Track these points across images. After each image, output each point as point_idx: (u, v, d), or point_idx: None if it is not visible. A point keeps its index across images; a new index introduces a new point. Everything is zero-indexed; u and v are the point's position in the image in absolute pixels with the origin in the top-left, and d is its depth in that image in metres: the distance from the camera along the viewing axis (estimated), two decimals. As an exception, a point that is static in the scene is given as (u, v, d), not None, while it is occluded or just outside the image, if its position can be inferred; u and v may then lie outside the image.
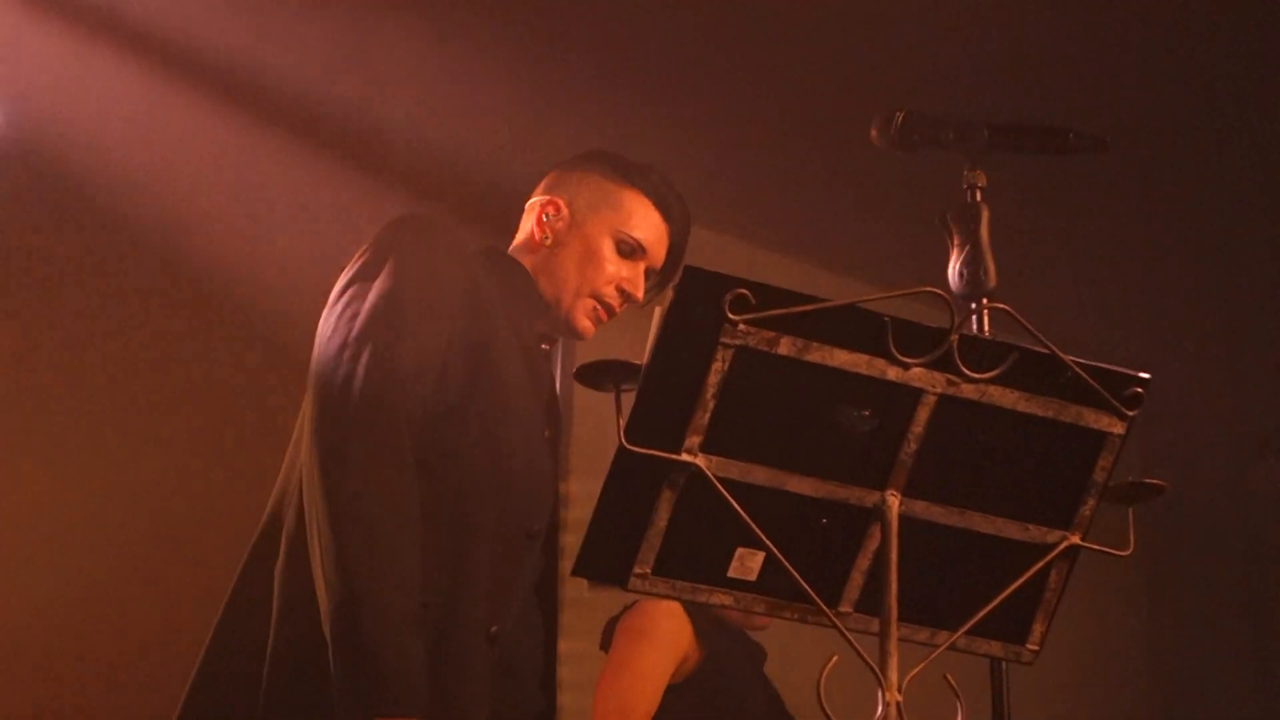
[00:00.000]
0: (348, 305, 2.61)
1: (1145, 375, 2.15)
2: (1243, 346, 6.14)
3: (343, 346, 2.55)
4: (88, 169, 4.55)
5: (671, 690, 3.61)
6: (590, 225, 2.88)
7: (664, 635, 3.61)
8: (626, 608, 3.69)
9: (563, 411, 2.92)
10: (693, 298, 1.98)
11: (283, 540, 2.59)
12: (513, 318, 2.75)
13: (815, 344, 2.03)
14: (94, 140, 4.54)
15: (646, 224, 2.90)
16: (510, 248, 2.94)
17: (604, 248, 2.87)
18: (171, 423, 4.58)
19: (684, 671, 3.64)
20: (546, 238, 2.89)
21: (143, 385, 4.59)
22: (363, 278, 2.64)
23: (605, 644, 3.68)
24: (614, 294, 2.88)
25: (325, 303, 2.69)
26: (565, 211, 2.89)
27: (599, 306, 2.88)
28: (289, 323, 4.41)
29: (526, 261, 2.89)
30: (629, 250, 2.88)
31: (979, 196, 2.58)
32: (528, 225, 2.93)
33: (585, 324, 2.88)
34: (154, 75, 4.60)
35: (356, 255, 2.70)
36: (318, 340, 2.62)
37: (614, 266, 2.88)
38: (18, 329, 4.49)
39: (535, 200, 2.95)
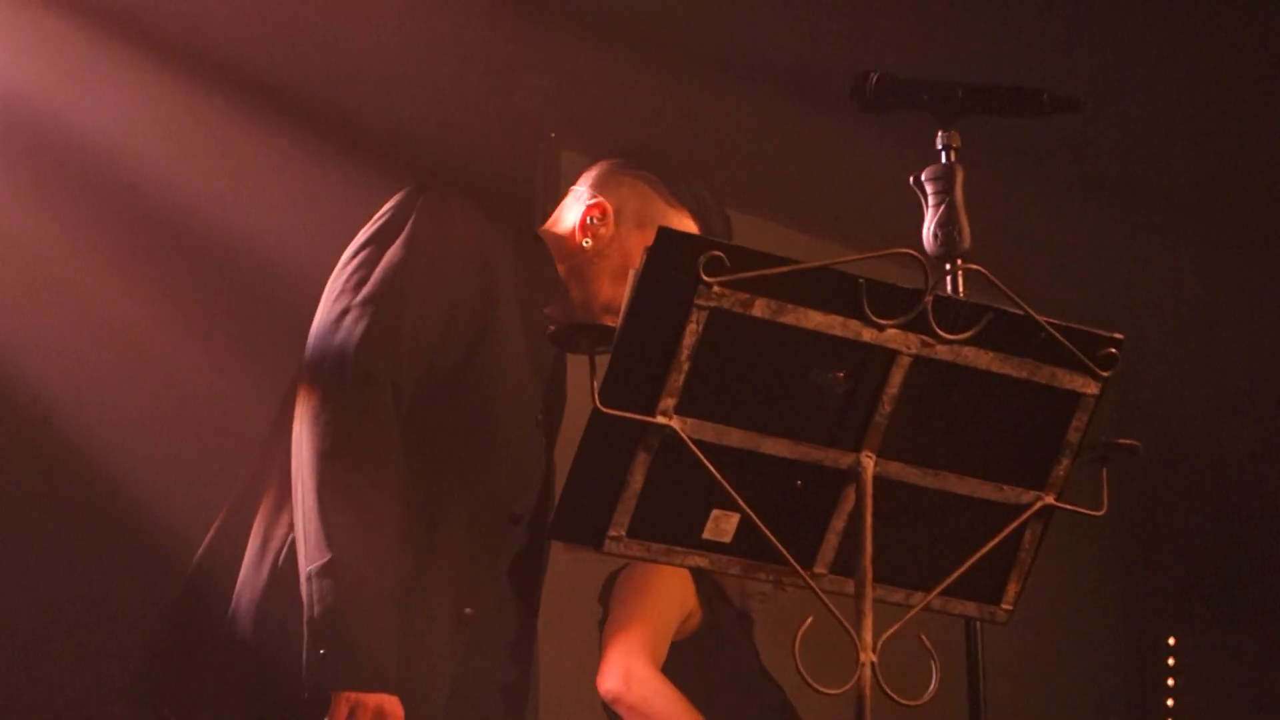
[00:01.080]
0: (356, 269, 2.61)
1: (1118, 336, 2.16)
2: (1216, 306, 6.15)
3: (344, 312, 2.55)
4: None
5: (673, 647, 3.61)
6: (632, 241, 2.84)
7: (671, 587, 3.61)
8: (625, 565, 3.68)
9: (565, 394, 2.89)
10: (666, 260, 1.98)
11: (264, 500, 2.59)
12: (524, 300, 2.72)
13: (790, 306, 2.03)
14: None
15: None
16: (543, 228, 2.89)
17: None
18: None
19: (686, 629, 3.64)
20: (587, 241, 2.84)
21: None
22: (374, 243, 2.63)
23: (604, 597, 3.68)
24: None
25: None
26: (610, 218, 2.85)
27: None
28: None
29: (561, 257, 2.84)
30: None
31: (954, 157, 2.57)
32: (570, 218, 2.88)
33: None
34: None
35: (374, 219, 2.68)
36: (323, 299, 2.62)
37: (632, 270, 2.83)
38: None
39: (582, 194, 2.89)
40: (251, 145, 4.80)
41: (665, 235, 2.00)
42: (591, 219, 2.85)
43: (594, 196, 2.87)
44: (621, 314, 1.99)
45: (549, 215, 2.97)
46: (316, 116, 4.93)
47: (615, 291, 2.82)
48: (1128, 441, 2.22)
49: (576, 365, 2.78)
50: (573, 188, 2.95)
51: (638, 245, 2.82)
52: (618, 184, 2.88)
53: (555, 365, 2.82)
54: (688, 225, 2.86)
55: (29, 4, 4.40)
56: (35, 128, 4.46)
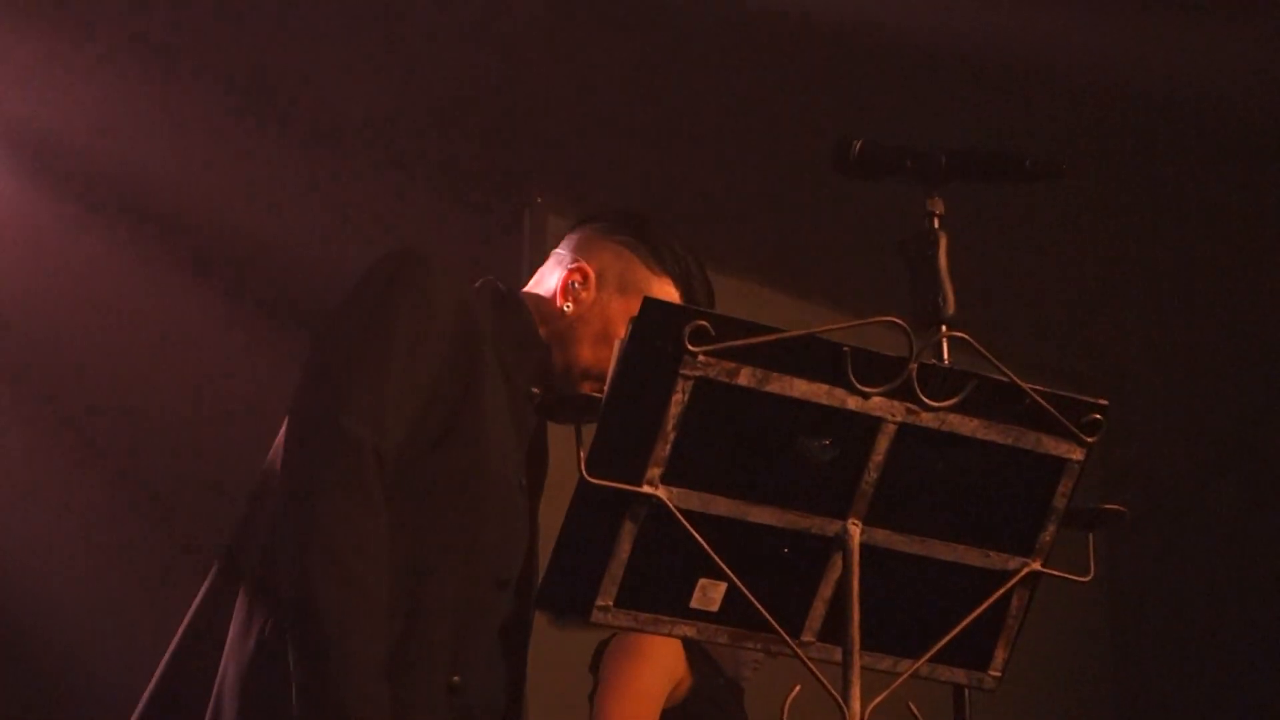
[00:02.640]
0: (337, 333, 2.60)
1: (1103, 402, 2.17)
2: (1201, 365, 6.17)
3: (324, 380, 2.54)
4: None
5: (663, 715, 3.60)
6: (613, 305, 2.82)
7: (659, 655, 3.60)
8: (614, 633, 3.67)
9: (548, 458, 2.89)
10: (651, 330, 1.99)
11: (246, 578, 2.58)
12: (505, 361, 2.72)
13: (775, 374, 2.03)
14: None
15: None
16: (525, 289, 2.89)
17: (621, 334, 2.82)
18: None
19: (676, 696, 3.63)
20: (568, 305, 2.83)
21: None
22: (355, 306, 2.62)
23: (594, 666, 3.67)
24: None
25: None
26: (592, 282, 2.82)
27: (604, 386, 2.83)
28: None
29: (543, 321, 2.82)
30: None
31: (937, 224, 2.58)
32: (551, 282, 2.87)
33: None
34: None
35: (352, 285, 2.68)
36: (304, 364, 2.61)
37: (618, 340, 2.82)
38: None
39: (564, 257, 2.88)
40: (231, 200, 4.82)
41: (650, 305, 2.00)
42: (573, 283, 2.85)
43: (575, 260, 2.87)
44: (607, 384, 2.00)
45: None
46: (304, 174, 4.97)
47: (596, 355, 2.82)
48: (1114, 507, 2.23)
49: (558, 428, 2.78)
50: (554, 251, 2.95)
51: (619, 310, 2.82)
52: (600, 248, 2.88)
53: (537, 427, 2.82)
54: (669, 291, 2.85)
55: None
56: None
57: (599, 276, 2.84)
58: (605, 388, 2.00)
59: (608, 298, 2.83)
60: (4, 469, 4.55)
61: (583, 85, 5.11)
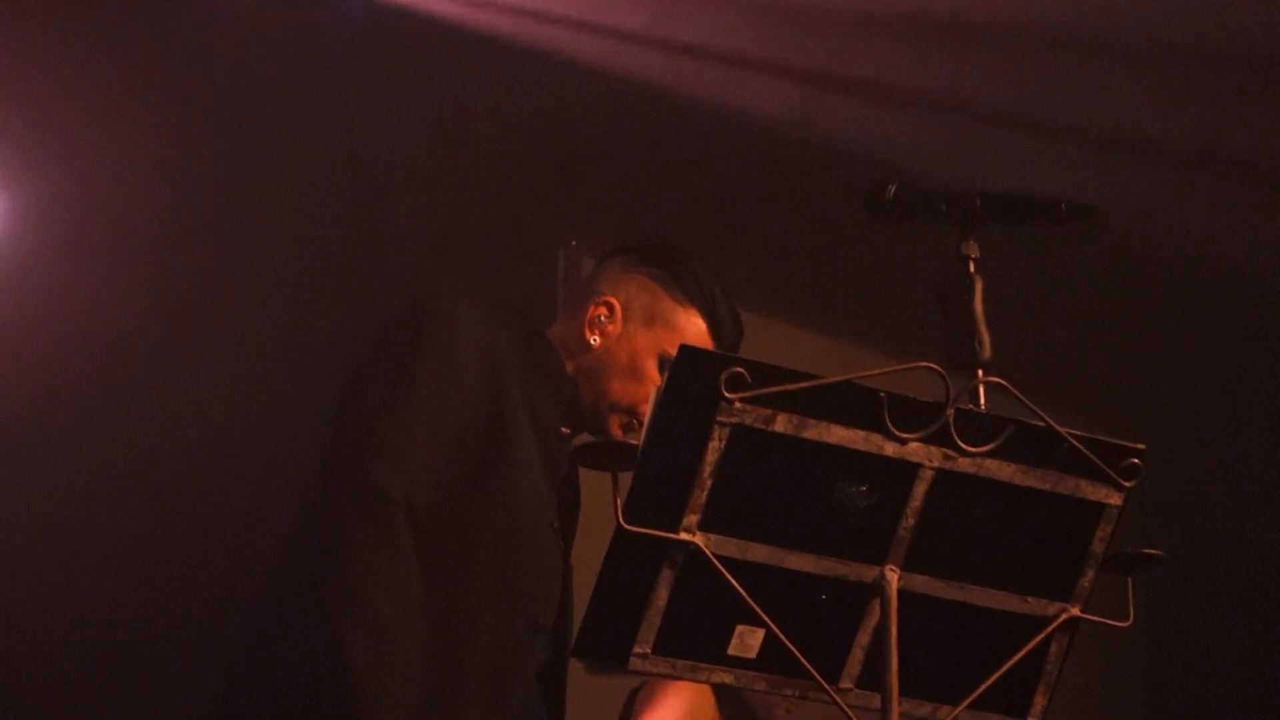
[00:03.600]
0: (364, 387, 2.60)
1: (1141, 446, 2.16)
2: (1239, 406, 6.14)
3: (351, 432, 2.54)
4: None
5: None
6: (640, 339, 2.84)
7: (690, 700, 3.59)
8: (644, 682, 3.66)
9: (579, 497, 2.89)
10: (688, 376, 1.99)
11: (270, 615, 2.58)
12: (533, 402, 2.72)
13: (812, 420, 2.03)
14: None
15: None
16: (551, 330, 2.90)
17: (648, 366, 2.83)
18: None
19: None
20: (595, 339, 2.84)
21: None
22: (380, 359, 2.63)
23: (625, 713, 3.66)
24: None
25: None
26: (618, 316, 2.85)
27: (633, 420, 2.84)
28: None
29: (570, 356, 2.84)
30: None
31: (972, 268, 2.58)
32: (577, 317, 2.88)
33: (617, 432, 2.84)
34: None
35: (377, 332, 2.69)
36: (335, 416, 2.62)
37: (655, 387, 2.82)
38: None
39: (590, 292, 2.90)
40: (275, 246, 4.84)
41: (686, 352, 2.01)
42: (599, 317, 2.85)
43: (601, 294, 2.87)
44: (644, 431, 2.00)
45: None
46: (342, 217, 4.99)
47: (625, 389, 2.82)
48: (1152, 551, 2.22)
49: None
50: (581, 286, 2.95)
51: (646, 342, 2.83)
52: (626, 281, 2.89)
53: (569, 467, 2.82)
54: (696, 322, 2.86)
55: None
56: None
57: (625, 309, 2.84)
58: (642, 434, 2.00)
59: (634, 330, 2.83)
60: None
61: (618, 129, 5.13)
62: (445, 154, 5.08)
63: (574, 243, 5.34)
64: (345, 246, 4.98)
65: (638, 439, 2.05)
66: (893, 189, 2.68)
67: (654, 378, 2.82)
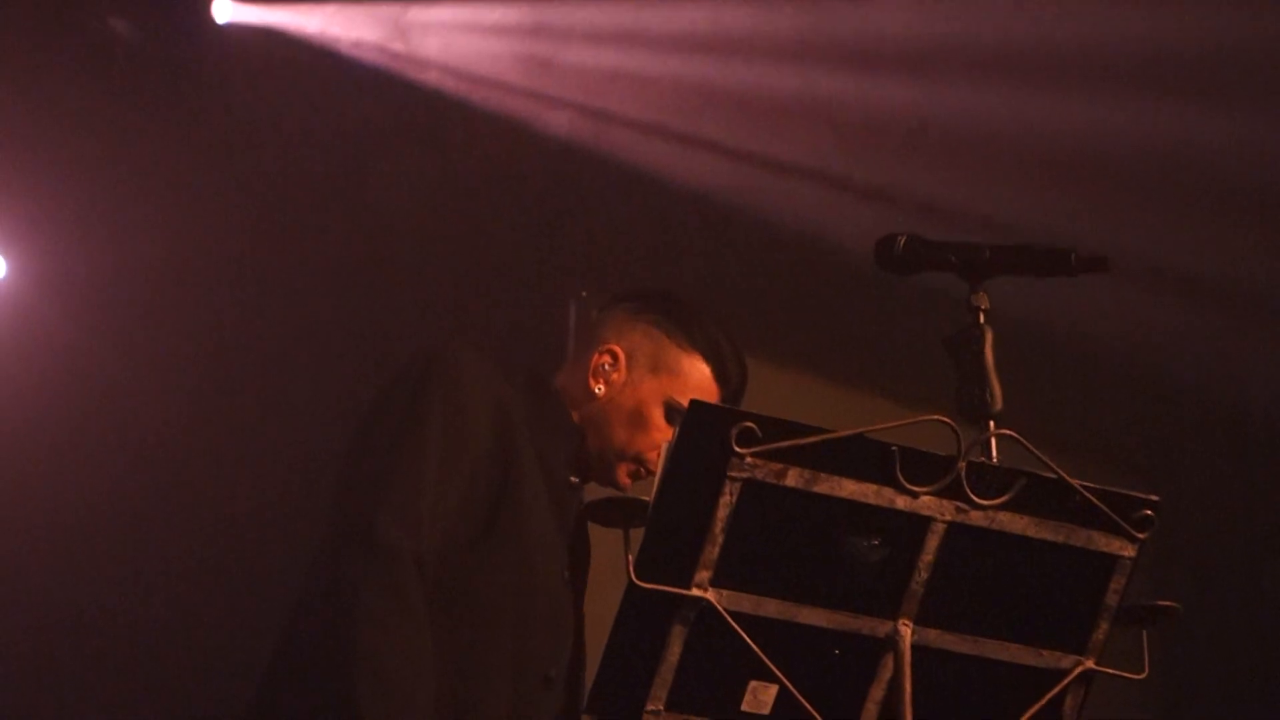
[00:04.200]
0: (370, 441, 2.60)
1: (1155, 498, 2.15)
2: (1253, 452, 6.12)
3: (363, 487, 2.54)
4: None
5: None
6: (645, 387, 2.83)
7: None
8: None
9: (590, 547, 2.88)
10: (699, 432, 1.99)
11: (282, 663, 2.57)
12: (542, 451, 2.71)
13: (823, 475, 2.03)
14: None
15: (699, 392, 2.81)
16: (557, 379, 2.89)
17: (654, 414, 2.81)
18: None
19: None
20: (599, 387, 2.84)
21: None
22: (386, 411, 2.62)
23: None
24: (656, 459, 2.79)
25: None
26: (622, 364, 2.83)
27: (640, 468, 2.84)
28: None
29: (575, 405, 2.83)
30: (678, 419, 2.80)
31: (982, 319, 2.57)
32: (582, 366, 2.87)
33: (625, 480, 2.83)
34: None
35: (384, 385, 2.69)
36: (342, 470, 2.61)
37: (661, 433, 2.81)
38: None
39: (595, 340, 2.88)
40: (290, 300, 4.85)
41: (697, 407, 2.01)
42: (603, 365, 2.85)
43: (605, 343, 2.87)
44: (655, 487, 2.00)
45: None
46: (357, 271, 5.00)
47: (631, 437, 2.82)
48: (1167, 604, 2.21)
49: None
50: (585, 334, 2.95)
51: (652, 390, 2.82)
52: (629, 329, 2.88)
53: (578, 519, 2.81)
54: (701, 368, 2.85)
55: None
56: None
57: (629, 357, 2.84)
58: (653, 490, 2.00)
59: (639, 378, 2.83)
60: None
61: (629, 179, 5.14)
62: (458, 207, 5.10)
63: (585, 293, 5.35)
64: (359, 299, 4.99)
65: (648, 491, 2.05)
66: (902, 240, 2.68)
67: (660, 425, 2.82)
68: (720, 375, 2.85)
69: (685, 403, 2.75)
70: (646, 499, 2.00)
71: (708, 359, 2.85)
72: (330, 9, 4.75)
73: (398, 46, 4.87)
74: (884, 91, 4.96)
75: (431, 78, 4.89)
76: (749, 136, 5.08)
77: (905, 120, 5.03)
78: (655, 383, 2.82)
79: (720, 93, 5.01)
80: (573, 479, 2.80)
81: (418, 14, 4.84)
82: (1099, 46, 4.82)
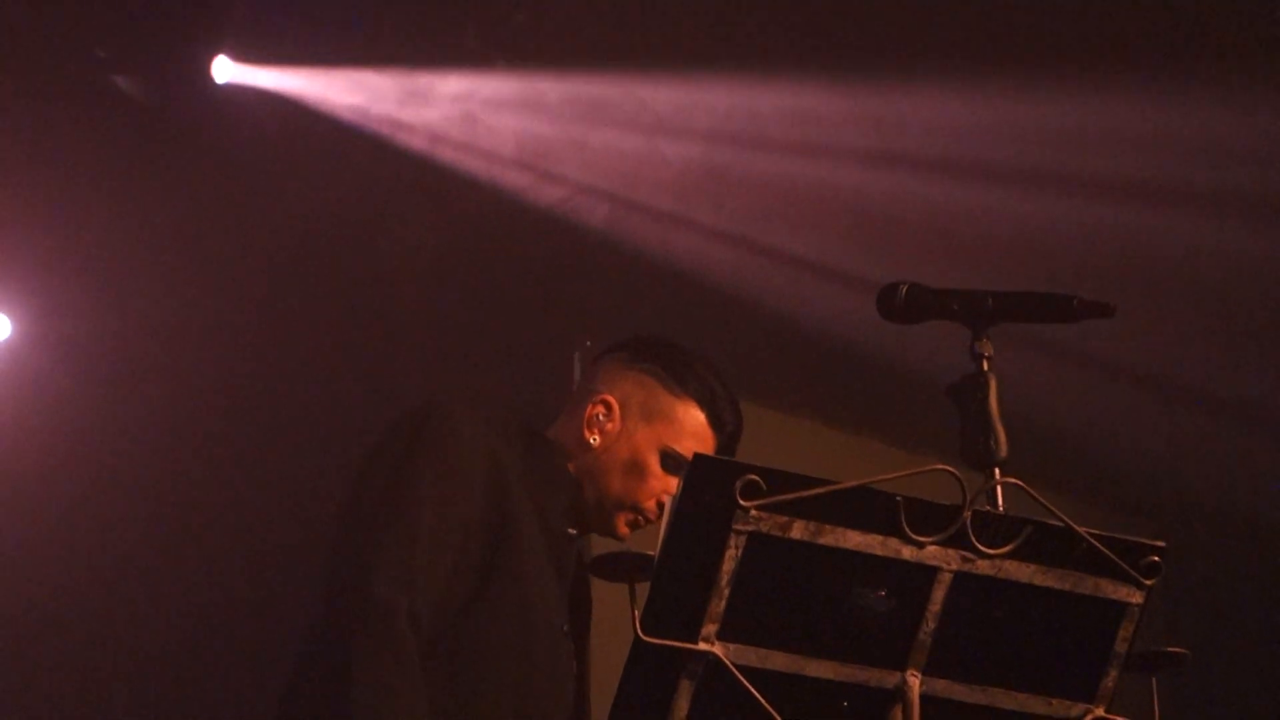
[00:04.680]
0: (364, 498, 2.60)
1: (1161, 544, 2.15)
2: (1259, 501, 6.10)
3: (354, 544, 2.54)
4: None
5: None
6: (639, 435, 2.82)
7: None
8: None
9: (591, 598, 2.87)
10: (703, 485, 1.98)
11: None
12: (539, 504, 2.71)
13: (828, 526, 2.02)
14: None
15: (695, 439, 2.82)
16: (552, 430, 2.89)
17: (650, 462, 2.81)
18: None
19: None
20: (594, 438, 2.83)
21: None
22: (379, 468, 2.62)
23: None
24: (654, 507, 2.81)
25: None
26: (616, 413, 2.83)
27: (639, 517, 2.84)
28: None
29: (571, 456, 2.82)
30: (675, 466, 2.80)
31: (986, 366, 2.57)
32: (576, 417, 2.87)
33: (623, 530, 2.83)
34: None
35: (376, 442, 2.68)
36: (336, 528, 2.61)
37: (658, 481, 2.81)
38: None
39: (589, 390, 2.89)
40: (291, 351, 4.86)
41: (700, 461, 2.01)
42: (597, 415, 2.84)
43: (598, 393, 2.87)
44: (660, 541, 1.99)
45: None
46: (360, 324, 5.01)
47: (627, 487, 2.81)
48: (1176, 650, 2.20)
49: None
50: (578, 385, 2.95)
51: (646, 438, 2.82)
52: (622, 378, 2.88)
53: (577, 570, 2.80)
54: (695, 415, 2.84)
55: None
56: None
57: (623, 406, 2.83)
58: (658, 545, 1.99)
59: (633, 427, 2.82)
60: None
61: (633, 231, 5.16)
62: (462, 259, 5.11)
63: (589, 343, 5.35)
64: (364, 356, 5.00)
65: (650, 542, 2.04)
66: (904, 289, 2.68)
67: (657, 473, 2.81)
68: (715, 420, 2.84)
69: (681, 450, 2.77)
70: (651, 553, 2.00)
71: (701, 404, 2.84)
72: (332, 74, 4.78)
73: (401, 116, 4.90)
74: (902, 186, 5.00)
75: (436, 149, 4.92)
76: (755, 221, 5.12)
77: (923, 218, 5.06)
78: (650, 431, 2.81)
79: (728, 174, 5.05)
80: (570, 531, 2.80)
81: (421, 84, 4.88)
82: (1128, 149, 4.86)
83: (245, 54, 4.64)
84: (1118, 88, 4.71)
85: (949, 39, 4.68)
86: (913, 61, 4.72)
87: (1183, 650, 2.21)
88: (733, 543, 1.99)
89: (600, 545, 2.71)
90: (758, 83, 4.83)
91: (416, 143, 4.88)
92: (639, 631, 1.97)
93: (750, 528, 1.99)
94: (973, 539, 2.07)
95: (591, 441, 2.82)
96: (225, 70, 4.65)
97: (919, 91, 4.79)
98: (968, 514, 2.06)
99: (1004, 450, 2.47)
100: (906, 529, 2.05)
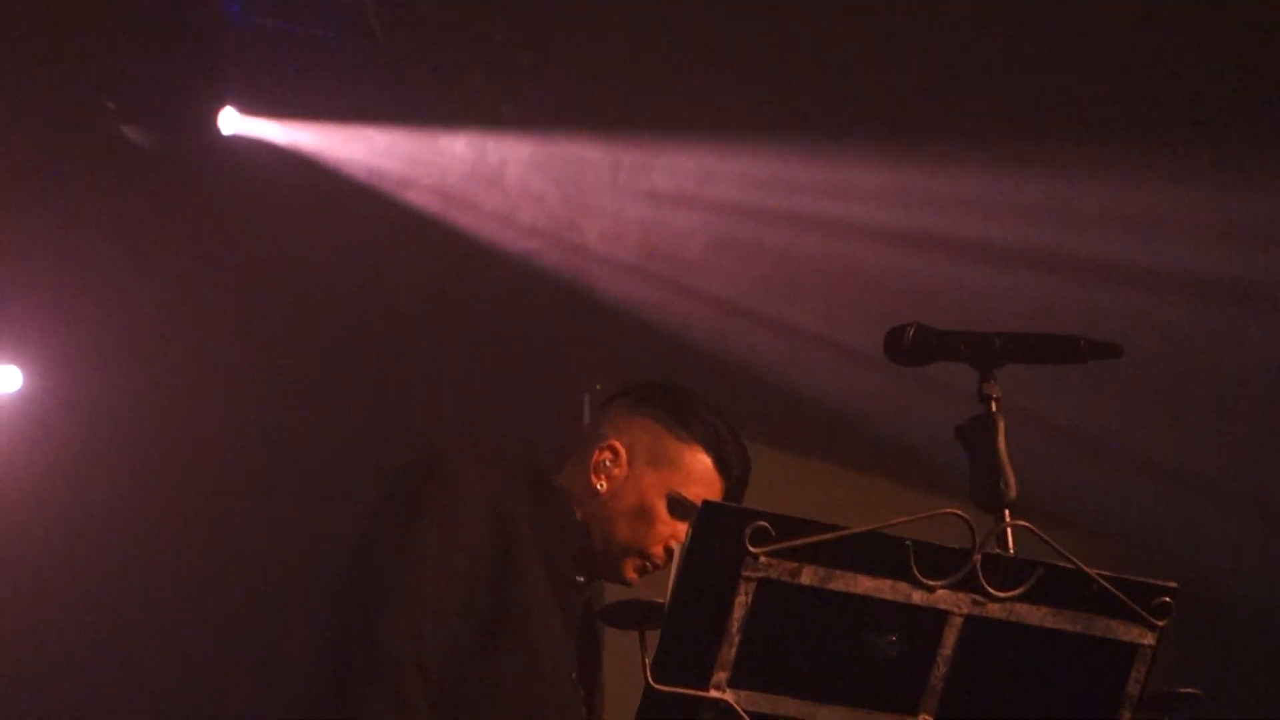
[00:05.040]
0: (371, 550, 2.60)
1: (1173, 585, 2.14)
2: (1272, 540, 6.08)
3: (360, 596, 2.54)
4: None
5: None
6: (646, 480, 2.83)
7: None
8: None
9: (601, 644, 2.87)
10: (712, 532, 1.98)
11: None
12: (547, 551, 2.71)
13: (838, 571, 2.02)
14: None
15: (702, 484, 2.83)
16: (559, 477, 2.89)
17: (658, 507, 2.81)
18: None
19: None
20: (601, 484, 2.84)
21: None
22: (385, 520, 2.63)
23: None
24: (662, 553, 2.82)
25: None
26: (623, 459, 2.84)
27: (647, 563, 2.84)
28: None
29: (578, 503, 2.83)
30: (682, 512, 2.81)
31: (994, 408, 2.57)
32: (583, 463, 2.88)
33: (632, 576, 2.83)
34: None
35: (380, 495, 2.69)
36: (343, 580, 2.61)
37: (666, 526, 2.82)
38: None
39: (595, 436, 2.90)
40: (297, 386, 4.87)
41: (709, 508, 2.01)
42: (604, 461, 2.85)
43: (605, 439, 2.87)
44: (670, 588, 1.99)
45: None
46: (367, 366, 5.02)
47: (634, 532, 2.81)
48: (1190, 690, 2.19)
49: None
50: (585, 431, 2.96)
51: (653, 483, 2.82)
52: (628, 424, 2.88)
53: (587, 618, 2.80)
54: (702, 459, 2.85)
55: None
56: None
57: (630, 452, 2.84)
58: (668, 592, 1.99)
59: (640, 472, 2.82)
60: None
61: (644, 274, 5.17)
62: (471, 303, 5.13)
63: (599, 386, 5.36)
64: (374, 402, 5.01)
65: (660, 588, 2.04)
66: (911, 331, 2.68)
67: (664, 518, 2.81)
68: (721, 464, 2.84)
69: (689, 495, 2.78)
70: (661, 600, 1.99)
71: (708, 449, 2.85)
72: (338, 130, 4.81)
73: (408, 173, 4.93)
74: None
75: (445, 208, 4.95)
76: (763, 290, 5.14)
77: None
78: (657, 476, 2.82)
79: (737, 242, 5.08)
80: (579, 578, 2.80)
81: (428, 141, 4.91)
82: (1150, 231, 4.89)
83: (252, 106, 4.67)
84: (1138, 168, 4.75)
85: (964, 114, 4.72)
86: (924, 137, 4.75)
87: (1196, 691, 2.20)
88: (742, 589, 1.99)
89: (612, 592, 2.71)
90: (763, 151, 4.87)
91: (423, 200, 4.91)
92: (649, 679, 1.97)
93: (760, 574, 1.99)
94: (983, 582, 2.07)
95: (599, 488, 2.82)
96: (232, 122, 4.68)
97: (930, 166, 4.82)
98: (977, 557, 2.06)
99: (1013, 491, 2.46)
100: (916, 573, 2.04)
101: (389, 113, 4.77)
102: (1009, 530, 2.43)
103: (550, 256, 5.07)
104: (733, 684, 2.00)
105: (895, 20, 4.74)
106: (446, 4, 4.81)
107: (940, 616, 2.07)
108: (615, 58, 4.86)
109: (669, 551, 2.81)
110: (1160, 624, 2.14)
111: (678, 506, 2.80)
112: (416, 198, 4.90)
